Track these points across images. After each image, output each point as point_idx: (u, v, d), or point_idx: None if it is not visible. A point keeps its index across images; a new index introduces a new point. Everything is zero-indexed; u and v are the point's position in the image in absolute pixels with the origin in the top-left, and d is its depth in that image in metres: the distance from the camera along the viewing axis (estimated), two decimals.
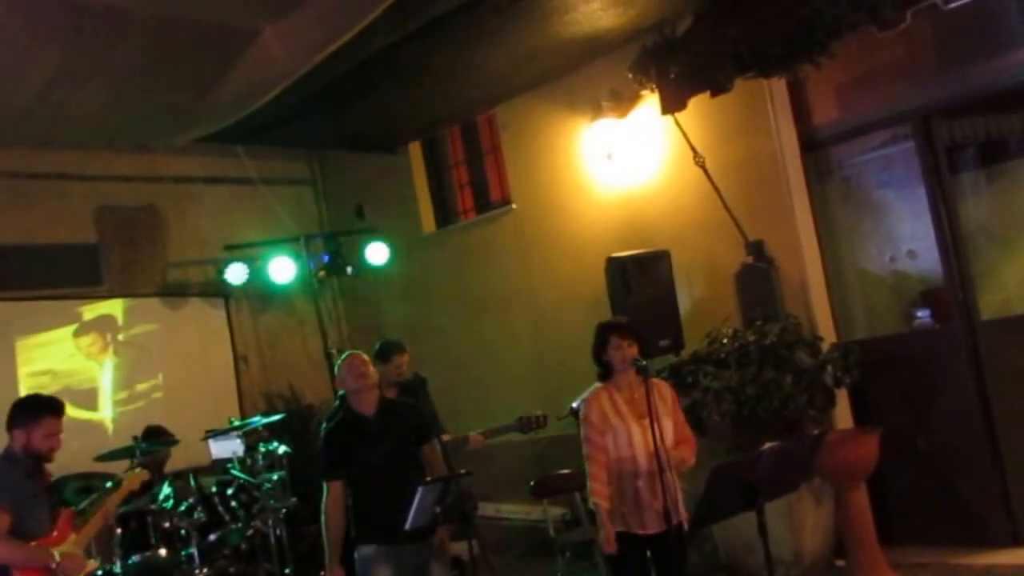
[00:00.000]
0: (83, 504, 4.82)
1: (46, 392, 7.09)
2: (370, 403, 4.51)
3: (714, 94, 5.85)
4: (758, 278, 6.17)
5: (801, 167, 6.28)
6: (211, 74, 6.45)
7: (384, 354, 5.38)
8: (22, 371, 7.53)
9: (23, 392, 7.41)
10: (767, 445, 4.07)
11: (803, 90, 6.33)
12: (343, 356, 4.65)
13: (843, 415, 6.04)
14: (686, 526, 4.15)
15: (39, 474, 4.29)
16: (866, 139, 6.26)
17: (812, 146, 6.35)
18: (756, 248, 6.23)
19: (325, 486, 4.42)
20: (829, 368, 5.72)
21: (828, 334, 6.09)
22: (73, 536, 4.24)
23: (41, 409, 4.24)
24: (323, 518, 4.40)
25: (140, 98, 6.74)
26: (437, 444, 4.60)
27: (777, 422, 5.61)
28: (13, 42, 5.49)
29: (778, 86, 6.19)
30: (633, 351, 4.20)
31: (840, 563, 5.78)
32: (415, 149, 9.01)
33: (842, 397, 5.95)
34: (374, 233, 8.56)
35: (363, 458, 4.38)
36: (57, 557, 4.05)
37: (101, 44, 5.77)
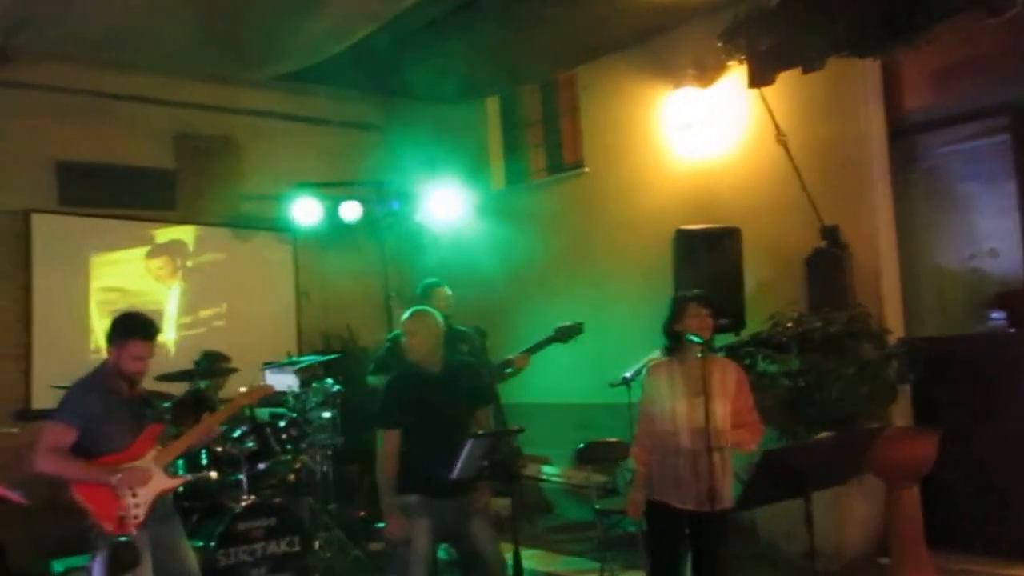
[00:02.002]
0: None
1: (112, 309, 7.38)
2: (436, 362, 4.48)
3: (805, 71, 5.63)
4: (830, 264, 5.99)
5: (886, 153, 6.06)
6: (296, 12, 6.42)
7: (426, 294, 5.71)
8: (94, 285, 7.72)
9: (93, 305, 7.64)
10: (823, 434, 3.96)
11: (896, 73, 6.07)
12: (410, 313, 4.59)
13: (902, 412, 5.86)
14: (729, 512, 4.05)
15: (130, 391, 4.30)
16: (957, 129, 5.98)
17: (900, 132, 6.11)
18: (831, 233, 6.03)
19: (381, 434, 4.42)
20: (894, 363, 5.54)
21: (896, 328, 5.90)
22: (153, 452, 4.23)
23: (130, 331, 4.23)
24: (377, 464, 4.41)
25: (225, 30, 6.75)
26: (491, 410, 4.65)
27: (832, 412, 5.46)
28: None
29: (871, 67, 5.94)
30: (710, 322, 4.10)
31: (884, 561, 5.63)
32: (491, 104, 8.92)
33: (903, 394, 5.76)
34: (443, 184, 8.52)
35: (422, 414, 4.36)
36: (117, 474, 4.10)
37: None
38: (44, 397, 6.58)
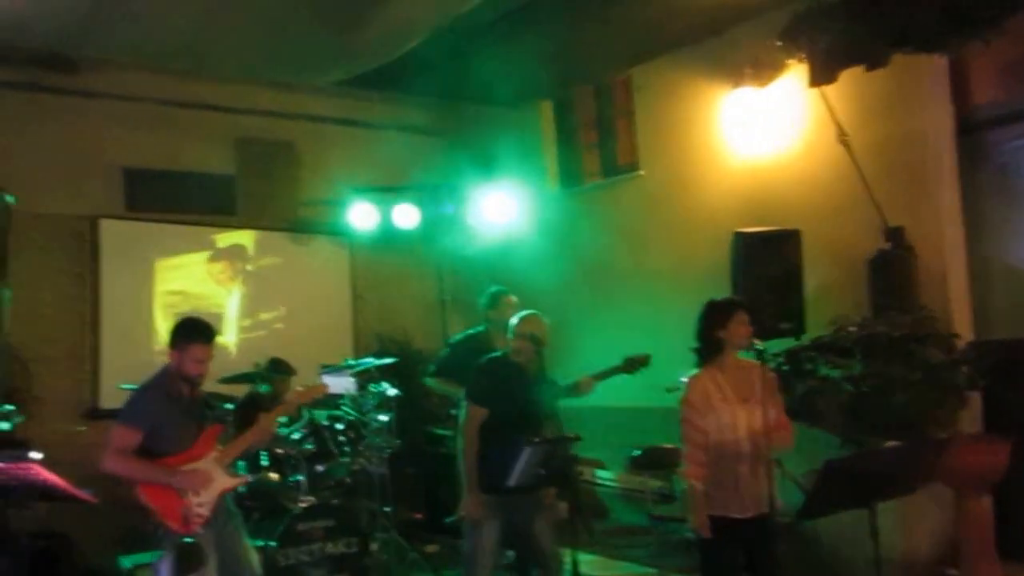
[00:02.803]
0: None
1: (175, 311, 7.49)
2: (529, 362, 4.52)
3: (869, 68, 5.45)
4: (894, 266, 5.80)
5: (953, 151, 5.84)
6: (355, 19, 6.45)
7: (493, 302, 5.74)
8: (158, 289, 7.84)
9: (157, 308, 7.76)
10: (888, 444, 3.83)
11: (964, 68, 5.85)
12: (524, 317, 4.64)
13: (971, 419, 5.64)
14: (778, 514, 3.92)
15: (192, 393, 4.36)
16: None
17: (968, 129, 5.89)
18: (895, 234, 5.84)
19: (468, 408, 4.45)
20: (963, 368, 5.34)
21: (965, 332, 5.68)
22: (214, 452, 4.29)
23: (191, 335, 4.31)
24: (462, 439, 4.45)
25: (287, 37, 6.81)
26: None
27: (897, 418, 5.28)
28: None
29: (937, 62, 5.74)
30: (752, 329, 3.99)
31: (953, 573, 5.44)
32: (546, 107, 8.86)
33: (973, 400, 5.55)
34: (498, 188, 8.48)
35: (507, 402, 4.39)
36: (179, 475, 4.14)
37: None
38: (111, 397, 6.69)
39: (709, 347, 4.05)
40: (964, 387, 5.35)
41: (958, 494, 5.23)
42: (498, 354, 4.68)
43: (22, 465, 3.43)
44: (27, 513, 3.60)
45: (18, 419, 5.93)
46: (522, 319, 4.58)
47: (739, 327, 3.97)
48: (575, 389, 5.58)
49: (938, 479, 5.10)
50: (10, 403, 5.82)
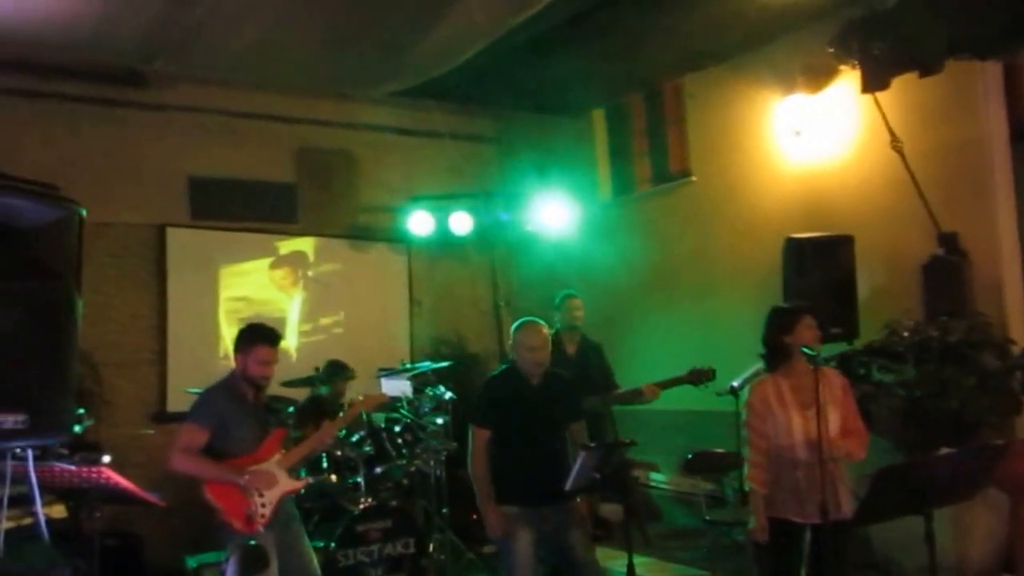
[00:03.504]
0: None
1: (239, 317, 7.65)
2: (537, 374, 4.48)
3: (923, 75, 5.36)
4: (948, 272, 5.69)
5: (1008, 156, 5.71)
6: (414, 31, 6.53)
7: (561, 305, 5.92)
8: (222, 295, 8.00)
9: (222, 314, 7.93)
10: (942, 451, 3.76)
11: (1018, 73, 5.72)
12: (522, 321, 4.58)
13: None
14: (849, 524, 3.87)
15: (256, 397, 4.46)
16: None
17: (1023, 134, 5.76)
18: (949, 240, 5.73)
19: (472, 431, 4.44)
20: (1018, 374, 5.22)
21: (1020, 338, 5.54)
22: (278, 455, 4.39)
23: (257, 338, 4.41)
24: (469, 460, 4.44)
25: (347, 49, 6.92)
26: (583, 424, 4.62)
27: (951, 423, 5.18)
28: None
29: (992, 68, 5.62)
30: (820, 334, 3.98)
31: None
32: (598, 115, 8.86)
33: None
34: (552, 195, 8.51)
35: (516, 419, 4.37)
36: (245, 475, 4.24)
37: None
38: (178, 400, 6.87)
39: (775, 352, 4.04)
40: (1019, 393, 5.23)
41: (1013, 500, 5.12)
42: (496, 373, 4.67)
43: (93, 469, 3.55)
44: (97, 515, 3.71)
45: (89, 422, 6.09)
46: (521, 330, 4.53)
47: (805, 332, 3.94)
48: (639, 395, 5.57)
49: (993, 485, 5.03)
50: (81, 406, 5.99)
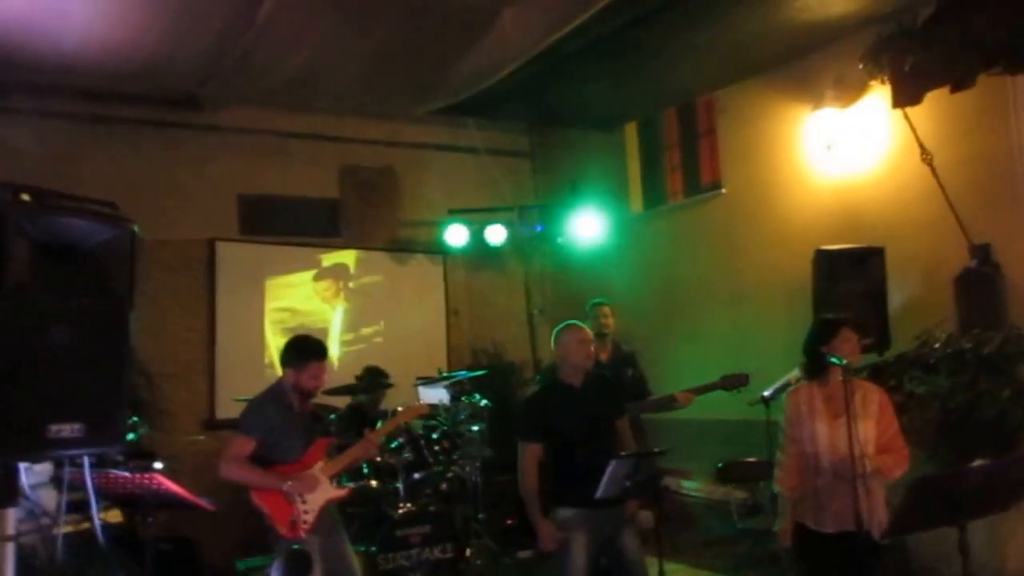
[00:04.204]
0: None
1: (284, 327, 7.73)
2: (579, 375, 4.46)
3: (954, 90, 5.26)
4: (981, 284, 5.57)
5: None
6: (453, 52, 6.58)
7: (591, 312, 5.88)
8: (268, 306, 8.11)
9: (268, 324, 8.02)
10: (976, 462, 3.68)
11: None
12: (565, 323, 4.56)
13: None
14: (878, 538, 3.75)
15: (302, 407, 4.50)
16: None
17: None
18: (982, 252, 5.61)
19: (522, 446, 4.41)
20: None
21: None
22: (321, 463, 4.42)
23: (310, 353, 4.45)
24: (520, 477, 4.39)
25: (390, 71, 7.00)
26: (627, 420, 4.60)
27: (987, 434, 5.06)
28: (290, 18, 5.81)
29: (1021, 80, 5.51)
30: (859, 347, 3.93)
31: None
32: (630, 129, 8.83)
33: None
34: (585, 208, 8.50)
35: (563, 425, 4.35)
36: (290, 482, 4.28)
37: (362, 21, 6.01)
38: (226, 408, 6.95)
39: (814, 362, 3.98)
40: None
41: None
42: (538, 387, 4.66)
43: (145, 475, 3.60)
44: (151, 519, 3.77)
45: (144, 430, 6.19)
46: (565, 332, 4.49)
47: (843, 344, 3.87)
48: (672, 402, 5.51)
49: None
50: (137, 415, 6.08)
